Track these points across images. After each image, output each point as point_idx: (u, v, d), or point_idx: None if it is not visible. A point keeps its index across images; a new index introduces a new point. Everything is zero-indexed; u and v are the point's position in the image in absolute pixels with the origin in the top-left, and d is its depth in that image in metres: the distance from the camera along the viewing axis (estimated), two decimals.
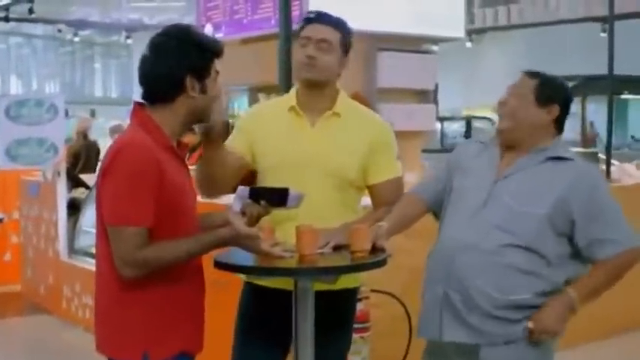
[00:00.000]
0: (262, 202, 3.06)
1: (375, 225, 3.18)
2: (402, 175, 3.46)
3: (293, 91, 3.46)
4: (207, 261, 2.90)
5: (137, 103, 2.81)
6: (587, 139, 20.16)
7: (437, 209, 3.43)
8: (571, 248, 3.15)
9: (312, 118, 3.34)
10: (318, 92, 3.35)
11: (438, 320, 3.20)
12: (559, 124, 3.27)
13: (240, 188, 3.12)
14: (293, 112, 3.36)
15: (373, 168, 3.36)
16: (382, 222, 3.23)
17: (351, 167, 3.32)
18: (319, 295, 3.07)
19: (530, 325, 3.08)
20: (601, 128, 21.84)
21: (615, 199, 3.21)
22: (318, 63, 3.28)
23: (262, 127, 3.39)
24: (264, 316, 3.38)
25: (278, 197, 3.05)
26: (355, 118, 3.39)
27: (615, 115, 10.12)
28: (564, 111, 3.26)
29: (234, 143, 3.34)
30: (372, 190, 3.42)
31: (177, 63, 2.74)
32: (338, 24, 3.37)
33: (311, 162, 3.27)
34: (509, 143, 3.26)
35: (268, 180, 3.30)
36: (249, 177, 3.42)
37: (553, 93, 3.24)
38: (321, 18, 3.36)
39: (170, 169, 2.69)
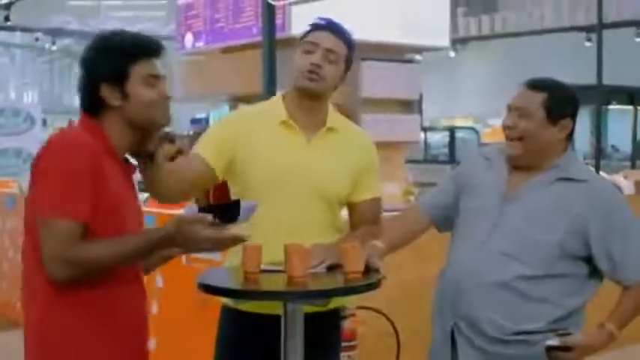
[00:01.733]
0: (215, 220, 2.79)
1: (369, 244, 3.03)
2: (380, 195, 3.31)
3: (279, 101, 3.22)
4: (188, 280, 2.75)
5: (85, 112, 2.64)
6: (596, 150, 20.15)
7: (441, 224, 3.27)
8: (588, 268, 2.98)
9: (308, 134, 3.15)
10: (313, 105, 3.16)
11: (449, 351, 3.05)
12: (570, 137, 3.05)
13: (188, 207, 2.85)
14: (285, 126, 3.15)
15: (358, 186, 3.22)
16: (377, 241, 3.09)
17: (343, 187, 3.18)
18: (305, 318, 2.90)
19: (556, 342, 2.87)
20: (581, 139, 21.96)
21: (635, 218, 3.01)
22: (322, 73, 3.10)
23: (249, 138, 3.12)
24: (246, 342, 3.19)
25: (231, 211, 2.66)
26: (347, 134, 3.23)
27: (595, 125, 10.09)
28: (574, 122, 3.03)
29: (204, 152, 3.11)
30: (352, 207, 3.27)
31: (90, 74, 2.60)
32: (347, 37, 3.20)
33: (304, 180, 3.10)
34: (522, 165, 3.04)
35: (253, 195, 3.09)
36: (222, 188, 3.23)
37: (564, 106, 2.99)
38: (333, 27, 3.18)
39: (111, 177, 2.52)
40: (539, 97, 2.95)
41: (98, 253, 2.45)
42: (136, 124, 2.62)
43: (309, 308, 2.92)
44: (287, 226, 3.04)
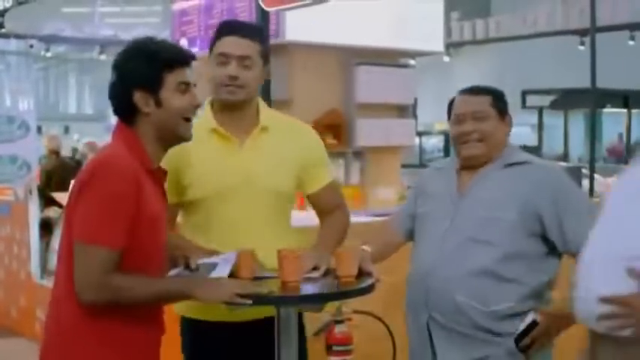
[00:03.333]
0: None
1: (359, 248, 3.09)
2: (335, 177, 3.35)
3: (208, 110, 3.16)
4: None
5: (121, 120, 2.66)
6: (617, 152, 20.20)
7: (410, 239, 3.39)
8: (547, 247, 3.08)
9: (240, 138, 3.10)
10: (240, 111, 3.11)
11: (429, 347, 3.12)
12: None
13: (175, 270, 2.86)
14: (216, 134, 3.09)
15: (308, 177, 3.21)
16: (365, 246, 3.16)
17: (287, 183, 3.15)
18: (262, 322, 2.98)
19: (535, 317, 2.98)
20: (575, 141, 21.99)
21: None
22: (241, 83, 3.05)
23: (186, 156, 3.04)
24: (209, 353, 3.15)
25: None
26: (283, 129, 3.18)
27: (590, 128, 10.11)
28: None
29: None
30: (311, 198, 3.27)
31: (123, 80, 2.60)
32: (255, 34, 3.13)
33: (246, 185, 3.05)
34: (479, 163, 3.18)
35: (201, 211, 3.09)
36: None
37: (505, 104, 3.23)
38: (238, 30, 3.09)
39: (148, 193, 2.54)
40: (486, 100, 3.17)
41: (132, 286, 2.49)
42: (164, 133, 2.63)
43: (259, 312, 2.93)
44: (239, 228, 3.04)
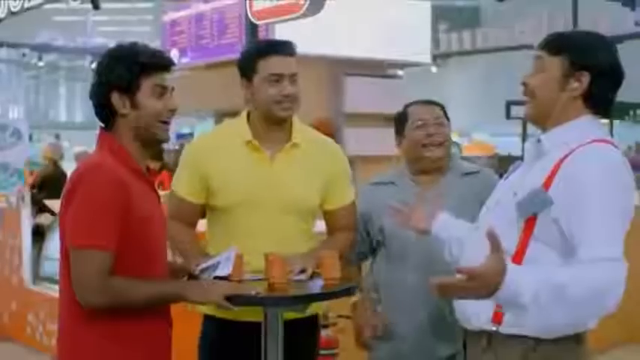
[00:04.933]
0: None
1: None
2: (354, 199, 3.43)
3: (244, 121, 3.29)
4: None
5: (102, 128, 2.75)
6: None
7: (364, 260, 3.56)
8: None
9: (272, 152, 3.23)
10: (280, 126, 3.25)
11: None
12: None
13: (233, 248, 2.98)
14: (250, 147, 3.23)
15: (330, 195, 3.32)
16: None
17: (312, 198, 3.28)
18: (284, 324, 3.02)
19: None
20: None
21: None
22: (294, 99, 3.19)
23: (217, 162, 3.21)
24: (229, 351, 3.28)
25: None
26: (312, 147, 3.31)
27: None
28: None
29: (184, 184, 3.26)
30: (327, 215, 3.39)
31: (101, 81, 2.68)
32: (295, 50, 3.26)
33: (273, 198, 3.18)
34: (440, 167, 3.37)
35: (227, 217, 3.22)
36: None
37: (446, 112, 3.49)
38: (284, 49, 3.23)
39: (137, 193, 2.62)
40: (440, 109, 3.44)
41: (128, 288, 2.57)
42: (141, 134, 2.70)
43: (288, 315, 3.04)
44: (263, 238, 3.14)
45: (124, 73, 2.65)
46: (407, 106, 3.48)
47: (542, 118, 2.59)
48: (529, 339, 2.47)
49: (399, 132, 3.45)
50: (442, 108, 3.46)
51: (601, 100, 2.56)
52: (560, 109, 2.54)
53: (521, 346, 2.49)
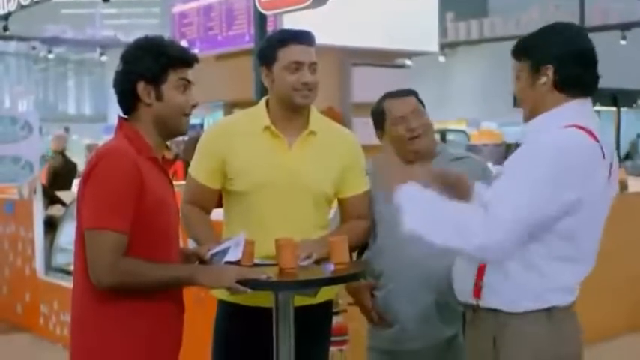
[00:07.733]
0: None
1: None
2: (369, 188, 3.46)
3: (263, 107, 3.36)
4: None
5: (121, 117, 2.83)
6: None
7: None
8: None
9: (290, 139, 3.28)
10: (298, 113, 3.30)
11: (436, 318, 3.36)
12: None
13: (243, 233, 3.03)
14: (268, 133, 3.29)
15: (345, 183, 3.37)
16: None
17: (328, 185, 3.32)
18: (295, 311, 3.07)
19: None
20: None
21: None
22: (313, 87, 3.25)
23: (235, 148, 3.27)
24: (242, 335, 3.33)
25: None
26: (328, 135, 3.37)
27: None
28: None
29: (202, 170, 3.32)
30: (342, 203, 3.43)
31: (129, 70, 2.76)
32: (314, 40, 3.32)
33: (290, 184, 3.24)
34: (425, 155, 3.41)
35: (243, 202, 3.28)
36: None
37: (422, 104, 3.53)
38: (305, 39, 3.29)
39: (151, 179, 2.69)
40: (414, 99, 3.49)
41: (142, 271, 2.64)
42: (162, 125, 2.79)
43: (301, 300, 3.09)
44: (278, 224, 3.19)
45: (151, 64, 2.74)
46: (382, 101, 3.51)
47: (534, 116, 2.76)
48: (502, 313, 2.64)
49: (379, 127, 3.51)
50: (416, 95, 3.50)
51: (572, 82, 2.71)
52: (541, 103, 2.73)
53: (495, 319, 2.65)
